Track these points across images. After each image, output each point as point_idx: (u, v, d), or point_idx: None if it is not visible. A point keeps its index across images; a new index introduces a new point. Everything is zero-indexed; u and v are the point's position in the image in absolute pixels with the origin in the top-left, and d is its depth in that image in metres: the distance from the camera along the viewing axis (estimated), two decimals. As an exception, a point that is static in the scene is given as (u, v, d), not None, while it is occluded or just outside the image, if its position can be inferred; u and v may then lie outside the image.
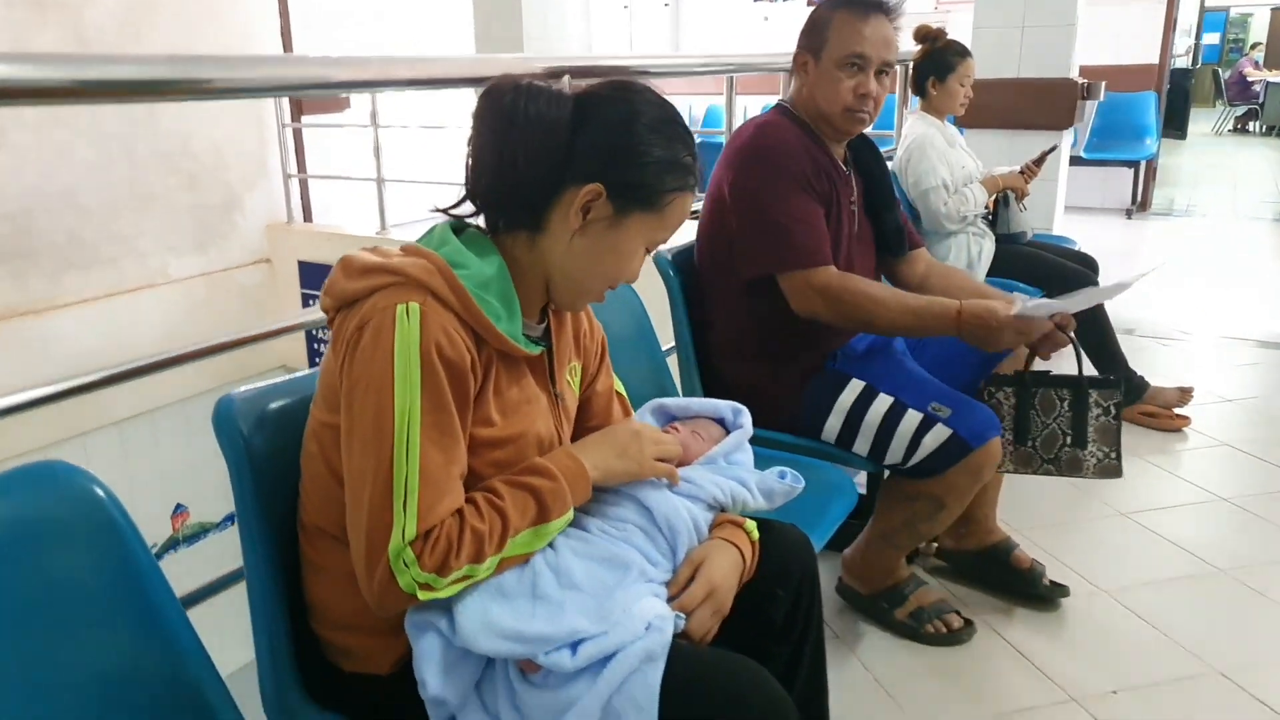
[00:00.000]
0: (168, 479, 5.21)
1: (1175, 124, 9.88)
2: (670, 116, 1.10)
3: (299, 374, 1.17)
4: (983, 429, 1.72)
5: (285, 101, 6.11)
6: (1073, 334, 1.79)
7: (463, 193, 1.11)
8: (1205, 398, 3.31)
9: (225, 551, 1.52)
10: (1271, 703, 1.76)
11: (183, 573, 1.48)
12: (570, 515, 1.06)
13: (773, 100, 2.22)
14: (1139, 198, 7.42)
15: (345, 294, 1.02)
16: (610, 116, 1.07)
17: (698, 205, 2.57)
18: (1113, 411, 1.88)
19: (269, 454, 1.09)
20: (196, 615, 1.13)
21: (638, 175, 1.07)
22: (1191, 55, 12.95)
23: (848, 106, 1.83)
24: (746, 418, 1.37)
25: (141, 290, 5.40)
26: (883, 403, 1.77)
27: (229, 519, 5.43)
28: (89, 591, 0.96)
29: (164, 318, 5.41)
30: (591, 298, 1.15)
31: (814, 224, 1.79)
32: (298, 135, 6.25)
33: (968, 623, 1.97)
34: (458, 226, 1.11)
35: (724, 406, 1.39)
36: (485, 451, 1.06)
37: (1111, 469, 1.88)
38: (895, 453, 1.76)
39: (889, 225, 2.02)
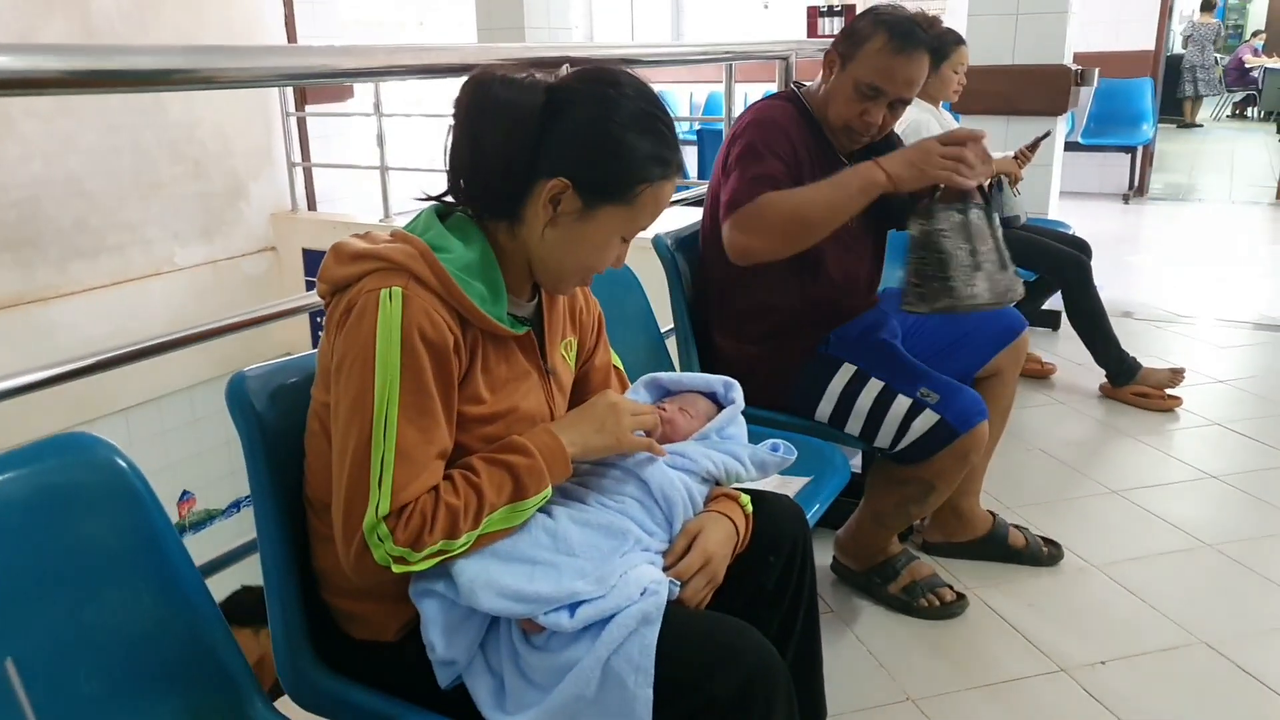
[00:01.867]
0: (174, 466, 5.26)
1: (1170, 109, 9.88)
2: (645, 109, 1.10)
3: (308, 353, 1.22)
4: (970, 414, 1.77)
5: (290, 91, 6.14)
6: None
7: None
8: (1198, 379, 3.36)
9: (233, 539, 1.57)
10: (1255, 672, 1.82)
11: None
12: (548, 492, 1.08)
13: (772, 88, 2.26)
14: (1136, 183, 7.45)
15: (336, 279, 1.07)
16: (581, 111, 1.08)
17: (687, 193, 2.59)
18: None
19: (280, 429, 1.14)
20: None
21: (607, 170, 1.08)
22: (1185, 41, 12.93)
23: (849, 125, 1.86)
24: (738, 392, 1.41)
25: (148, 278, 5.44)
26: (874, 387, 1.82)
27: (235, 506, 5.48)
28: (112, 555, 1.02)
29: (170, 305, 5.46)
30: (573, 284, 1.18)
31: (757, 185, 1.76)
32: (302, 124, 6.28)
33: (960, 596, 2.02)
34: (443, 212, 1.14)
35: (716, 381, 1.42)
36: (475, 428, 1.10)
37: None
38: (885, 436, 1.81)
39: (891, 202, 2.05)
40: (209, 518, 5.64)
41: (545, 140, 1.07)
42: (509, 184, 1.09)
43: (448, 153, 1.11)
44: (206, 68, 1.45)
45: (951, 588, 2.03)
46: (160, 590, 1.04)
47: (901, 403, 1.78)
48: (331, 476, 1.04)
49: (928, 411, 1.76)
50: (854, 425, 1.85)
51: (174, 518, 5.39)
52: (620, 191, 1.09)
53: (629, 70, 1.13)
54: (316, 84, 5.45)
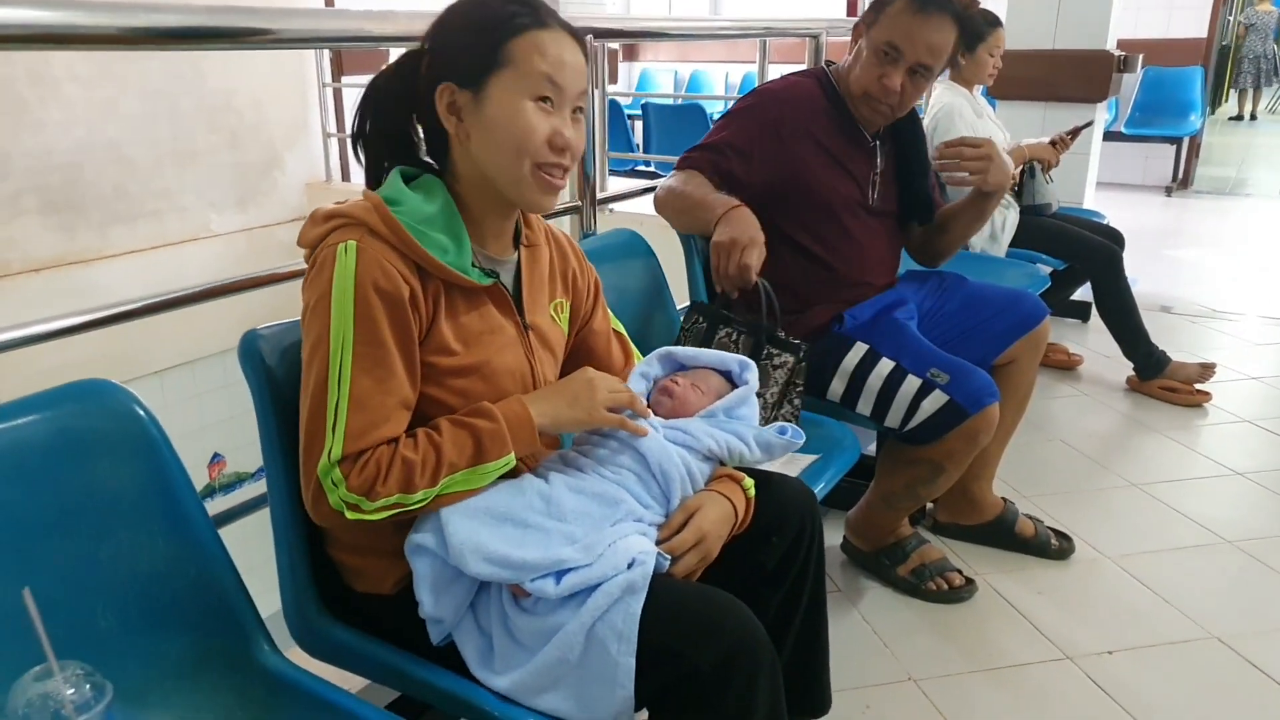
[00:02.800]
0: (207, 429, 5.36)
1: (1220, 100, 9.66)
2: None
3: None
4: (979, 395, 1.76)
5: (326, 60, 6.18)
6: (763, 285, 1.72)
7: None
8: (1231, 375, 3.31)
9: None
10: (1267, 668, 1.80)
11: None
12: (510, 459, 1.08)
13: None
14: (1180, 175, 7.29)
15: (310, 240, 1.11)
16: (433, 22, 1.13)
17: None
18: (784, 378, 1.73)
19: (290, 384, 1.16)
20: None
21: (469, 49, 1.09)
22: (1245, 30, 12.59)
23: (868, 91, 1.86)
24: (753, 373, 1.40)
25: (184, 243, 5.55)
26: (884, 366, 1.82)
27: (263, 470, 5.57)
28: (129, 498, 1.05)
29: (205, 271, 5.52)
30: (531, 184, 1.11)
31: (701, 154, 1.88)
32: (338, 95, 6.33)
33: (969, 581, 2.02)
34: (410, 174, 1.16)
35: (731, 360, 1.41)
36: (448, 379, 1.11)
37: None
38: (895, 416, 1.81)
39: (917, 193, 2.05)
40: (238, 480, 5.75)
41: (421, 74, 1.12)
42: (428, 132, 1.15)
43: (355, 132, 1.17)
44: (238, 27, 1.46)
45: (960, 572, 2.02)
46: (173, 533, 1.08)
47: (911, 383, 1.78)
48: None
49: (937, 392, 1.76)
50: (865, 405, 1.85)
51: (205, 479, 5.53)
52: (491, 57, 1.08)
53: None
54: (351, 48, 5.47)
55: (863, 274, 1.98)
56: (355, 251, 1.03)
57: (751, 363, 1.42)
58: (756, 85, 1.97)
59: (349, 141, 1.19)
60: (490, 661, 1.08)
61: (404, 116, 1.16)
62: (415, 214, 1.08)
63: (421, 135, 1.18)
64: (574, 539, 1.06)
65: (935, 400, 1.76)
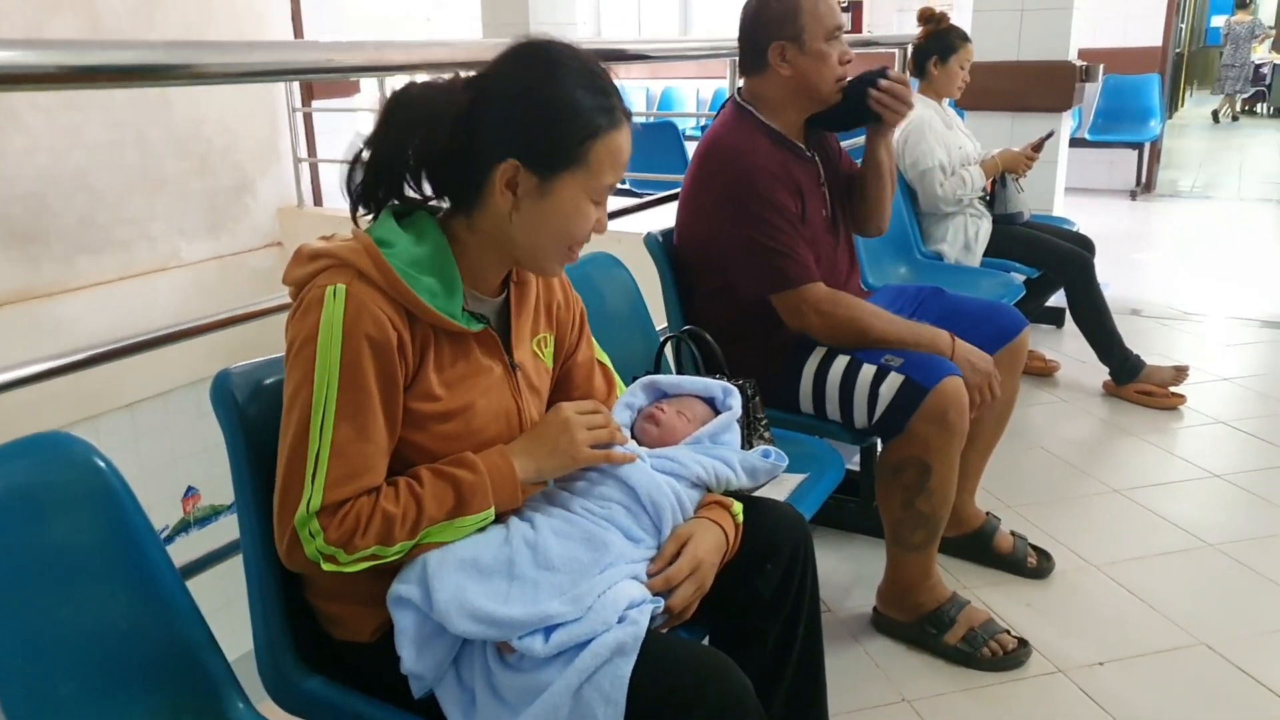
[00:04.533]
0: (179, 462, 5.28)
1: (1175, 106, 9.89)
2: (573, 65, 1.08)
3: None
4: (934, 371, 1.75)
5: (296, 86, 6.15)
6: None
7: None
8: (1204, 377, 3.33)
9: (236, 534, 1.56)
10: (1256, 674, 1.80)
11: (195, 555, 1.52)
12: (490, 514, 1.07)
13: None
14: (1143, 180, 7.41)
15: (296, 279, 1.07)
16: (509, 88, 1.07)
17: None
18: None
19: (264, 425, 1.12)
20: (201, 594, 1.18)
21: (550, 138, 1.06)
22: (1187, 39, 12.95)
23: (839, 77, 1.90)
24: (736, 399, 1.39)
25: (153, 274, 5.46)
26: (840, 363, 1.84)
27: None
28: (89, 555, 1.01)
29: (176, 301, 5.47)
30: (556, 261, 1.15)
31: (799, 244, 1.85)
32: (308, 120, 6.29)
33: (1021, 643, 1.87)
34: (402, 211, 1.12)
35: (715, 386, 1.41)
36: (431, 425, 1.09)
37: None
38: (860, 411, 1.80)
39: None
40: (214, 513, 5.66)
41: (479, 130, 1.07)
42: (458, 184, 1.10)
43: (369, 161, 1.10)
44: (196, 63, 1.43)
45: (1009, 632, 1.89)
46: (138, 590, 1.04)
47: (867, 371, 1.79)
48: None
49: (892, 374, 1.76)
50: (832, 408, 1.85)
51: (179, 513, 5.44)
52: (570, 154, 1.07)
53: (576, 46, 1.11)
54: (316, 79, 5.45)
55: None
56: (344, 296, 1.01)
57: (734, 388, 1.41)
58: (717, 153, 1.90)
59: (351, 155, 1.10)
60: (473, 718, 1.05)
61: (434, 154, 1.09)
62: (404, 255, 1.05)
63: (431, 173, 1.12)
64: (562, 590, 1.04)
65: (892, 384, 1.76)
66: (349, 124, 6.60)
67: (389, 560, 1.02)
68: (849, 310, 1.86)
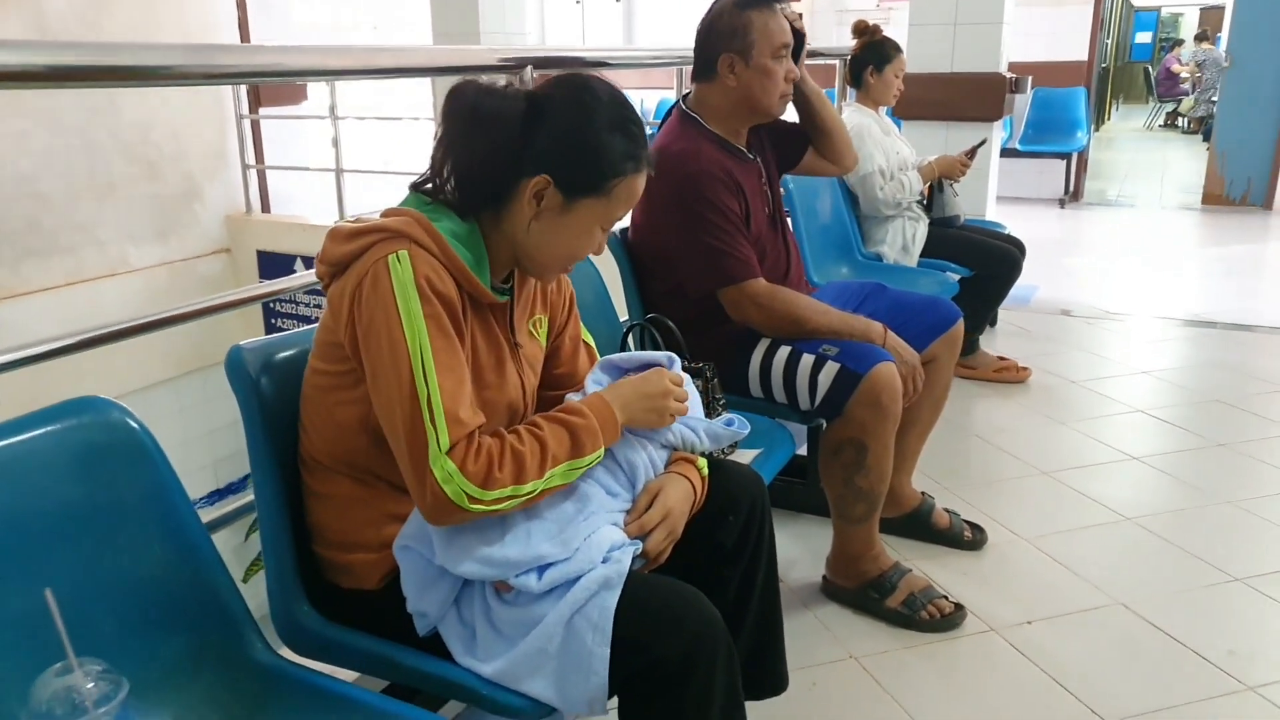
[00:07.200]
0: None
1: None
2: (618, 111, 1.21)
3: (300, 329, 1.32)
4: (867, 358, 1.91)
5: (244, 93, 6.16)
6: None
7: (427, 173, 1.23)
8: (1124, 370, 3.58)
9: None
10: (1167, 629, 1.99)
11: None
12: (601, 453, 1.19)
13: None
14: (1071, 188, 7.75)
15: (337, 258, 1.15)
16: (561, 114, 1.18)
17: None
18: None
19: (275, 396, 1.24)
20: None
21: (584, 167, 1.18)
22: (1111, 54, 13.43)
23: (783, 93, 2.03)
24: (678, 364, 1.52)
25: (102, 279, 5.43)
26: (783, 353, 1.99)
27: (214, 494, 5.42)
28: (127, 506, 1.11)
29: (124, 306, 5.43)
30: (556, 271, 1.29)
31: (741, 243, 1.98)
32: (256, 126, 6.30)
33: (957, 607, 2.03)
34: (425, 201, 1.22)
35: (661, 356, 1.51)
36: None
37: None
38: (803, 396, 1.96)
39: (785, 136, 2.25)
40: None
41: (527, 142, 1.18)
42: (496, 183, 1.20)
43: (435, 156, 1.21)
44: (148, 64, 1.45)
45: (947, 598, 2.04)
46: (169, 539, 1.14)
47: (806, 360, 1.95)
48: (328, 436, 1.15)
49: (829, 363, 1.92)
50: (779, 393, 2.00)
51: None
52: (597, 186, 1.20)
53: (617, 89, 1.24)
54: (263, 83, 5.48)
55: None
56: (409, 259, 1.09)
57: (676, 357, 1.53)
58: (676, 166, 1.96)
59: (432, 166, 1.21)
60: (474, 650, 1.16)
61: (480, 151, 1.18)
62: (450, 229, 1.16)
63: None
64: (551, 535, 1.15)
65: (829, 371, 1.91)
66: (297, 132, 6.63)
67: (522, 500, 1.11)
68: (786, 304, 2.00)
